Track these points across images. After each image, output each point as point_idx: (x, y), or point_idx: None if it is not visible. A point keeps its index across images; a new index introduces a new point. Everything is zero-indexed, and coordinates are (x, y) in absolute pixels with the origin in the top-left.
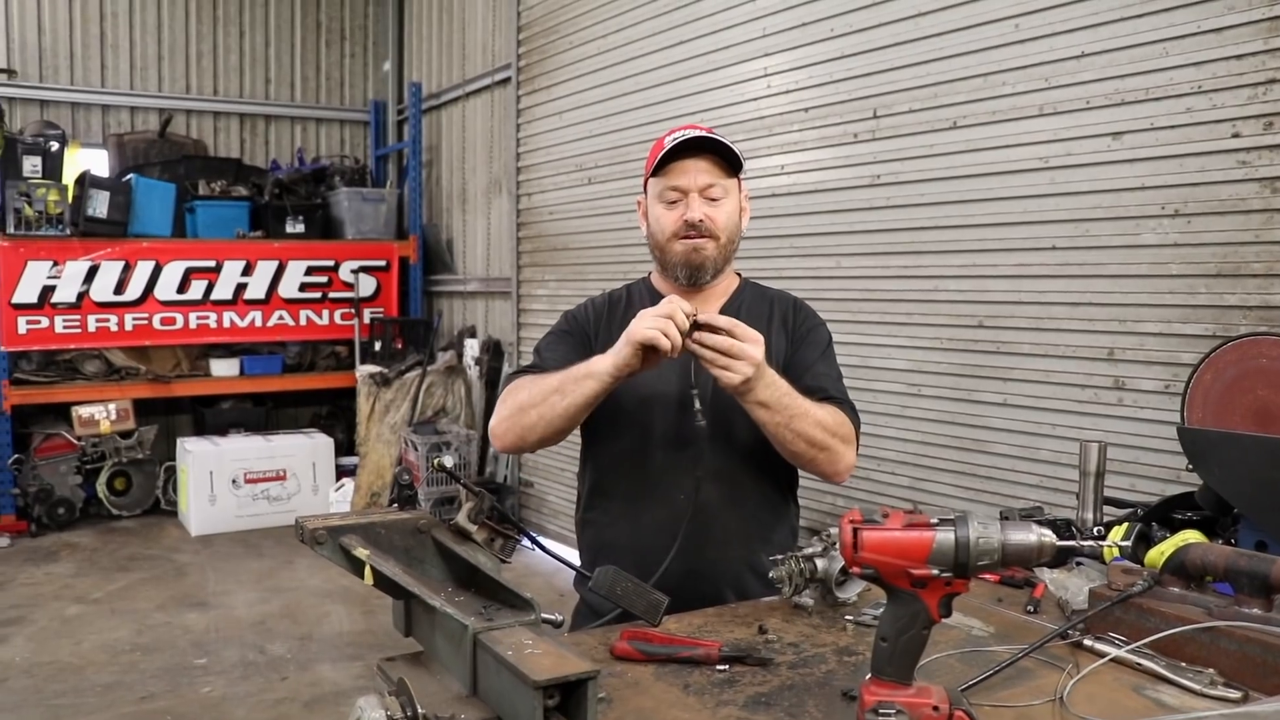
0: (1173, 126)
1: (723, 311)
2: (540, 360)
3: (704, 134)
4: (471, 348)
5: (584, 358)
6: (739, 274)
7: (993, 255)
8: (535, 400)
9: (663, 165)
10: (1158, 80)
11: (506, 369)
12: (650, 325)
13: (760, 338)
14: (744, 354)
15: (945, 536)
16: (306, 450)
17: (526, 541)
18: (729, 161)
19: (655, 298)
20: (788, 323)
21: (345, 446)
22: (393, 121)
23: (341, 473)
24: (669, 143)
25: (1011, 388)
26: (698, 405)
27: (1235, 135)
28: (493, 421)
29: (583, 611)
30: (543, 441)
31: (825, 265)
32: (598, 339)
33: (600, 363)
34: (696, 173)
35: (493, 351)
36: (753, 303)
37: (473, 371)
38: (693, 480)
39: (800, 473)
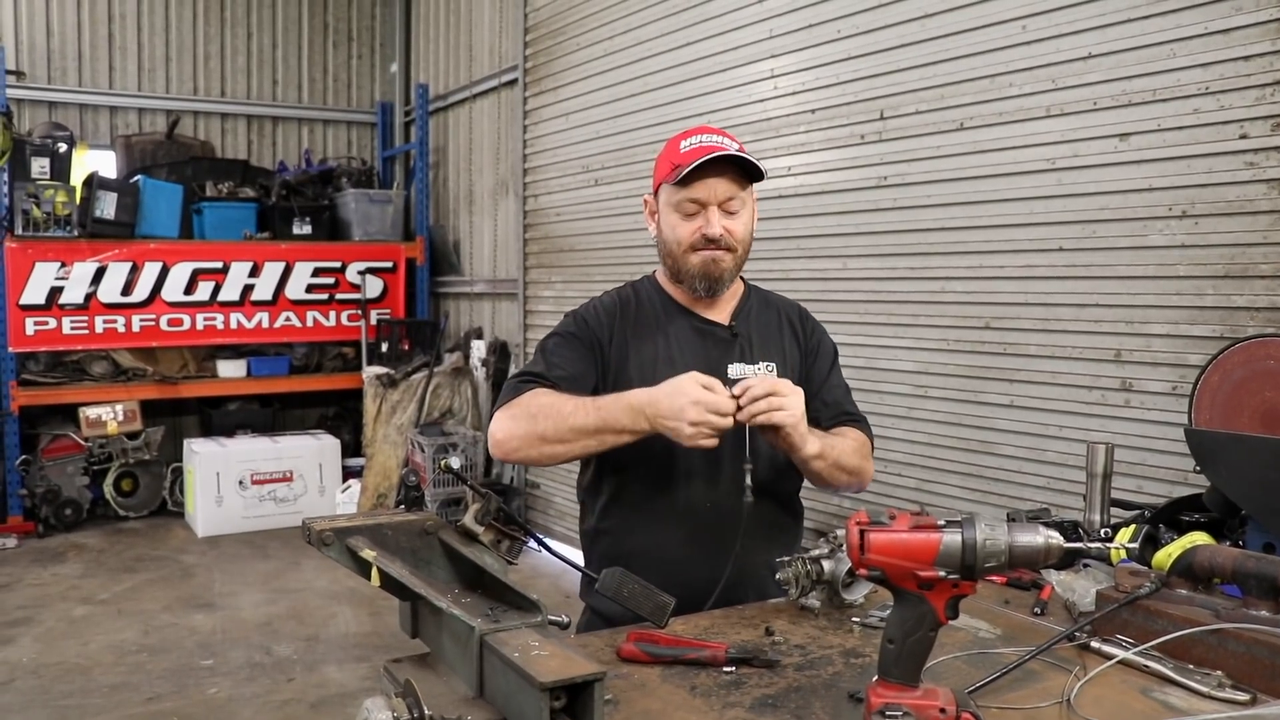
0: (1180, 128)
1: (733, 319)
2: (546, 366)
3: (725, 147)
4: (478, 349)
5: (593, 366)
6: (742, 278)
7: (1000, 257)
8: (562, 435)
9: (682, 175)
10: (1165, 81)
11: (513, 370)
12: (704, 435)
13: (793, 385)
14: (790, 389)
15: (952, 538)
16: (313, 451)
17: (533, 543)
18: (746, 171)
19: (664, 299)
20: (797, 332)
21: (352, 448)
22: (400, 123)
23: (348, 474)
24: (685, 147)
25: (1018, 389)
26: (749, 481)
27: (1243, 136)
28: (500, 434)
29: (592, 621)
30: (554, 464)
31: (832, 266)
32: (611, 343)
33: (639, 424)
34: (717, 186)
35: (499, 353)
36: (760, 309)
37: (479, 373)
38: (724, 509)
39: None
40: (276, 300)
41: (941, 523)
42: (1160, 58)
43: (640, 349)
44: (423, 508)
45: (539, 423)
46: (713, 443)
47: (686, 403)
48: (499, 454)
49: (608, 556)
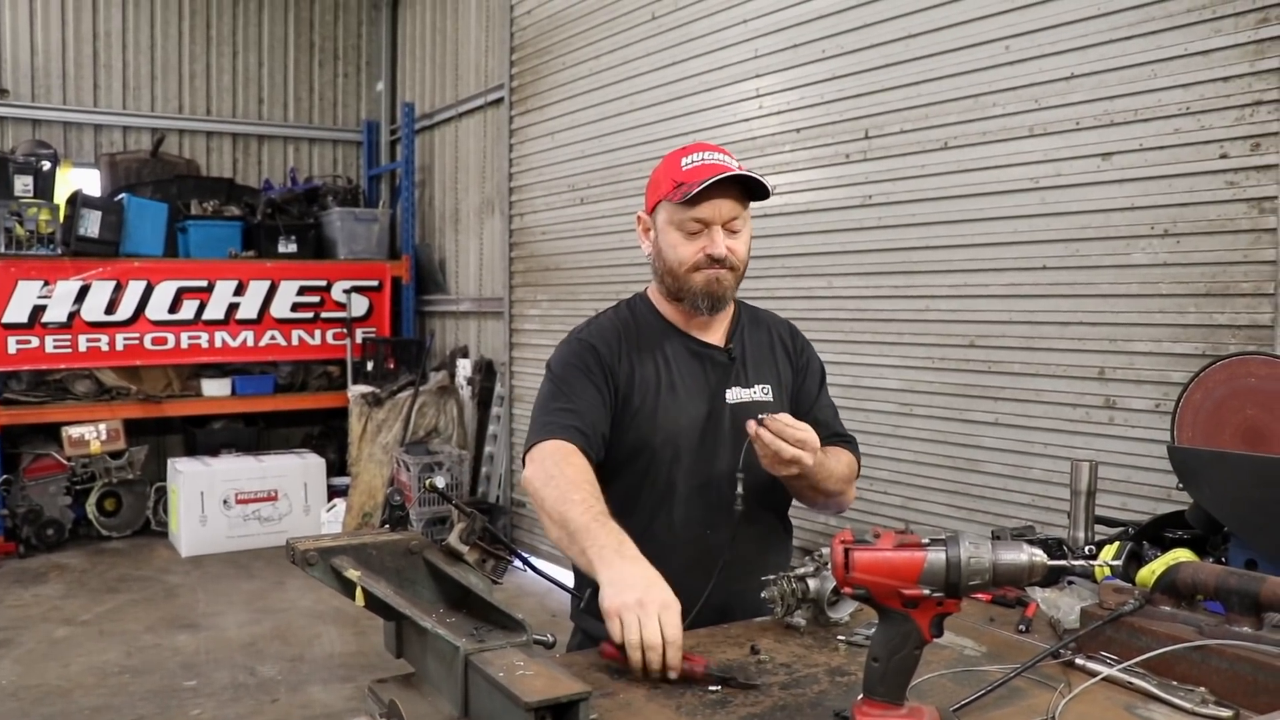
0: (1162, 147)
1: (731, 338)
2: (568, 396)
3: (729, 166)
4: (464, 368)
5: (607, 394)
6: None
7: (984, 275)
8: (550, 520)
9: (690, 195)
10: (1147, 102)
11: (499, 389)
12: (618, 631)
13: (811, 429)
14: (811, 444)
15: (936, 557)
16: (298, 470)
17: (518, 562)
18: (748, 190)
19: (660, 321)
20: (789, 350)
21: (337, 467)
22: (385, 142)
23: (333, 493)
24: (688, 165)
25: (1003, 407)
26: (740, 490)
27: (1223, 156)
28: (528, 473)
29: (583, 642)
30: None
31: (817, 285)
32: (620, 367)
33: (594, 570)
34: (722, 206)
35: (485, 371)
36: (751, 328)
37: (465, 391)
38: (718, 530)
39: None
40: (261, 319)
41: (926, 541)
42: (1142, 78)
43: (643, 372)
44: (408, 527)
45: (547, 490)
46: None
47: (631, 601)
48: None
49: None
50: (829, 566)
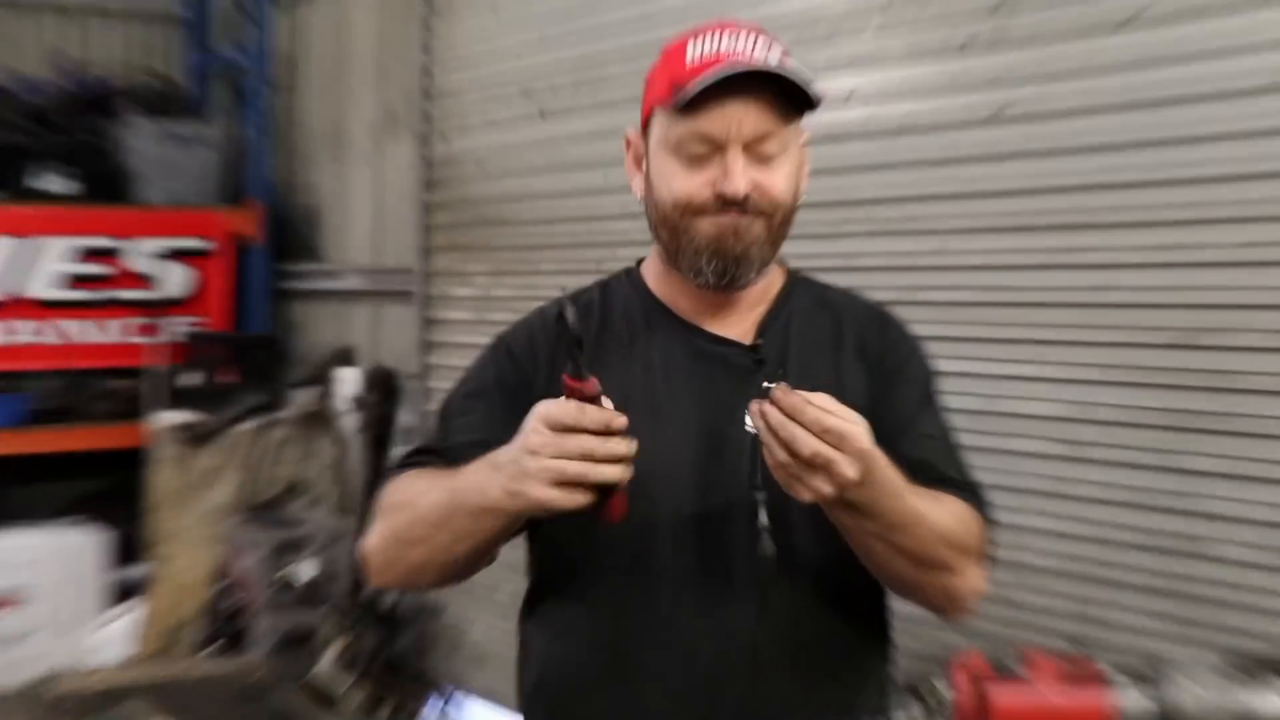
0: None
1: (764, 331)
2: (444, 433)
3: (754, 59)
4: (348, 382)
5: (517, 424)
6: (782, 263)
7: (1207, 230)
8: (416, 533)
9: (688, 97)
10: None
11: (405, 417)
12: (553, 480)
13: (860, 419)
14: (850, 439)
15: (1135, 701)
16: (59, 556)
17: (432, 707)
18: (791, 98)
19: (649, 306)
20: (866, 348)
21: (129, 549)
22: (222, 18)
23: (122, 594)
24: (693, 56)
25: (1246, 449)
26: (764, 520)
27: None
28: (367, 543)
29: None
30: (446, 583)
31: (921, 249)
32: (554, 374)
33: (491, 490)
34: (742, 117)
35: (383, 388)
36: (811, 312)
37: (349, 421)
38: (733, 619)
39: None
40: (8, 302)
41: (1112, 673)
42: None
43: (604, 386)
44: (248, 650)
45: (394, 518)
46: (572, 500)
47: (527, 429)
48: (375, 579)
49: None
50: (949, 711)
